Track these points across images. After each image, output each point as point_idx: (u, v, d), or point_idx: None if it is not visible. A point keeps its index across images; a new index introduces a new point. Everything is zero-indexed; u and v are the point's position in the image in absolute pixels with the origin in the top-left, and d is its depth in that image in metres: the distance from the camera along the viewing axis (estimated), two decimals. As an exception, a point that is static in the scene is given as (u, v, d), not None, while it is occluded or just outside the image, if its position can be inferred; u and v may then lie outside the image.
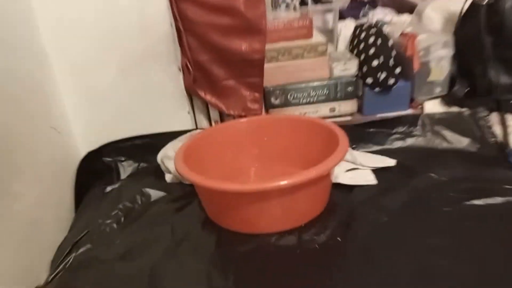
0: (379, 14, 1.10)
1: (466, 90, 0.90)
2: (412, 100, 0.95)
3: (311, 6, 1.04)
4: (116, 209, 0.74)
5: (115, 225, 0.70)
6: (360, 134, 0.90)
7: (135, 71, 0.85)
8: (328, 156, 0.72)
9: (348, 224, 0.63)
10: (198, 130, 0.88)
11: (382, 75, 0.89)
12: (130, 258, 0.62)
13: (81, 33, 0.80)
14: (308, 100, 0.93)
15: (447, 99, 0.93)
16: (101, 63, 0.83)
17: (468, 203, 0.64)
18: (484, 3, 0.84)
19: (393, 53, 0.88)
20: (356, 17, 1.10)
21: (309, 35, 0.91)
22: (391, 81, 0.90)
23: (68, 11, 0.79)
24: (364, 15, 1.12)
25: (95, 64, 0.83)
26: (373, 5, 1.16)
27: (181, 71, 0.86)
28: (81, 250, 0.66)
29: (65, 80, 0.83)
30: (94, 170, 0.88)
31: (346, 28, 1.03)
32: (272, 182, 0.57)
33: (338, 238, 0.60)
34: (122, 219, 0.72)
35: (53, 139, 0.79)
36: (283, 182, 0.56)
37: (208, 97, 0.88)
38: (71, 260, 0.64)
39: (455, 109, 0.92)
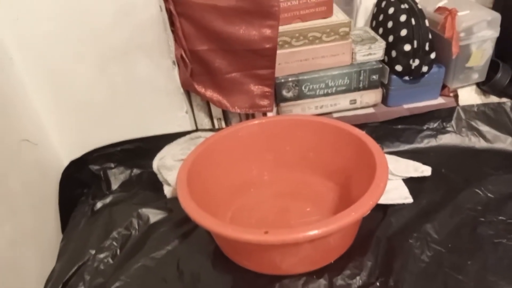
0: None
1: (510, 78, 0.78)
2: (444, 87, 0.83)
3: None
4: (110, 238, 0.63)
5: (110, 260, 0.60)
6: (386, 132, 0.78)
7: (117, 65, 0.69)
8: (356, 172, 0.62)
9: (387, 262, 0.54)
10: (198, 135, 0.75)
11: (415, 62, 0.75)
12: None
13: (47, 22, 0.63)
14: (325, 91, 0.80)
15: (486, 87, 0.80)
16: (75, 57, 0.67)
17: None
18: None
19: (429, 36, 0.74)
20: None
21: (328, 13, 0.75)
22: (425, 68, 0.76)
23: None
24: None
25: (68, 60, 0.67)
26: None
27: (176, 64, 0.71)
28: (73, 295, 0.56)
29: (34, 82, 0.67)
30: (80, 180, 0.76)
31: (367, -3, 0.87)
32: (300, 232, 0.46)
33: (377, 284, 0.51)
34: (118, 251, 0.61)
35: (28, 156, 0.66)
36: (314, 232, 0.46)
37: (209, 94, 0.74)
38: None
39: (493, 98, 0.81)
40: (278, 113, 0.81)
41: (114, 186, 0.77)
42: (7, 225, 0.57)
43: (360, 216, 0.49)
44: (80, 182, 0.76)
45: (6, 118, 0.62)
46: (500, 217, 0.58)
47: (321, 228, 0.46)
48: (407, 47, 0.74)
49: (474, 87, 0.83)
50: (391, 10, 0.78)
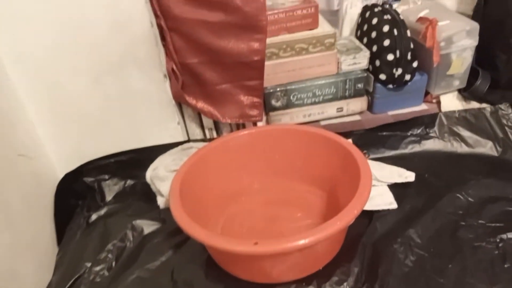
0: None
1: (489, 84, 0.81)
2: (426, 93, 0.86)
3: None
4: (105, 250, 0.65)
5: (106, 272, 0.62)
6: (371, 139, 0.81)
7: (111, 78, 0.71)
8: (342, 180, 0.64)
9: (373, 267, 0.56)
10: (190, 146, 0.77)
11: (398, 71, 0.78)
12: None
13: (42, 36, 0.65)
14: (313, 100, 0.82)
15: (467, 93, 0.84)
16: (71, 70, 0.69)
17: (503, 236, 0.58)
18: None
19: (411, 45, 0.77)
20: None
21: (314, 24, 0.78)
22: (408, 77, 0.79)
23: (24, 6, 0.62)
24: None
25: (64, 73, 0.69)
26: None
27: (167, 77, 0.72)
28: (70, 309, 0.58)
29: (30, 95, 0.69)
30: (75, 192, 0.77)
31: (352, 7, 0.90)
32: (289, 242, 0.48)
33: (364, 288, 0.54)
34: (113, 263, 0.63)
35: (24, 169, 0.67)
36: (302, 242, 0.48)
37: (200, 105, 0.76)
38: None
39: (474, 104, 0.84)
40: (267, 122, 0.83)
41: (108, 197, 0.78)
42: (5, 236, 0.58)
43: (345, 225, 0.51)
44: (75, 194, 0.77)
45: (3, 134, 0.63)
46: (480, 221, 0.61)
47: (308, 237, 0.49)
48: (390, 57, 0.77)
49: (456, 93, 0.86)
50: (374, 21, 0.80)
